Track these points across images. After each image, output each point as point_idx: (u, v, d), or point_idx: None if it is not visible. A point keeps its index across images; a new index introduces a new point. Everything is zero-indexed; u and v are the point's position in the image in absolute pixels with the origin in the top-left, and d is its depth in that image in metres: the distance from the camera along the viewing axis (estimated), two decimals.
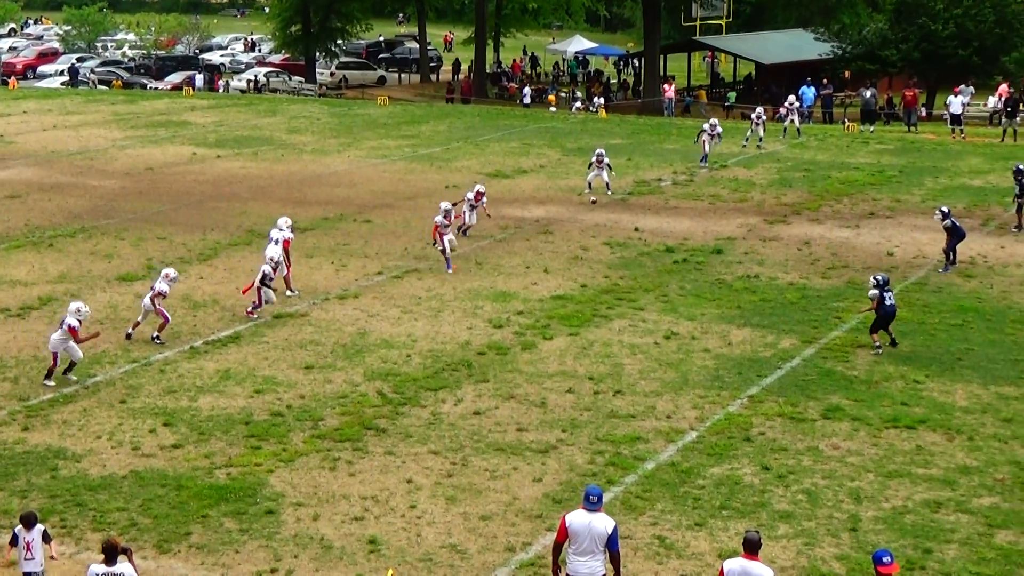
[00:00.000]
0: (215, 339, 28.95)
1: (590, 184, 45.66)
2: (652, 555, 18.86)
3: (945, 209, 35.42)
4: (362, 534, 19.51)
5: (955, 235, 34.90)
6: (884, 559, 15.21)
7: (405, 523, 19.92)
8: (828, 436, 23.52)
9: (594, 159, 45.76)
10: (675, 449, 22.90)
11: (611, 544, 15.99)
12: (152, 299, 28.46)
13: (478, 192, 38.99)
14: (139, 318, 28.80)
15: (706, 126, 52.86)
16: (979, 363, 27.61)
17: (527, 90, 79.13)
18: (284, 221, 33.48)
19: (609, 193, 45.18)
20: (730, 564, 15.33)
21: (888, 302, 27.87)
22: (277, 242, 32.25)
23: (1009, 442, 23.27)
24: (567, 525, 16.13)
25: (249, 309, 30.28)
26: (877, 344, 28.03)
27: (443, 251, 34.42)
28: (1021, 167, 39.70)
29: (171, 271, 29.36)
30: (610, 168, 45.89)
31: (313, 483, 21.31)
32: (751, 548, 15.37)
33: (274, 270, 30.18)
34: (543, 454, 22.59)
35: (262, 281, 29.84)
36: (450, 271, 34.02)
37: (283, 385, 25.81)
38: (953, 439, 23.43)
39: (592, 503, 16.13)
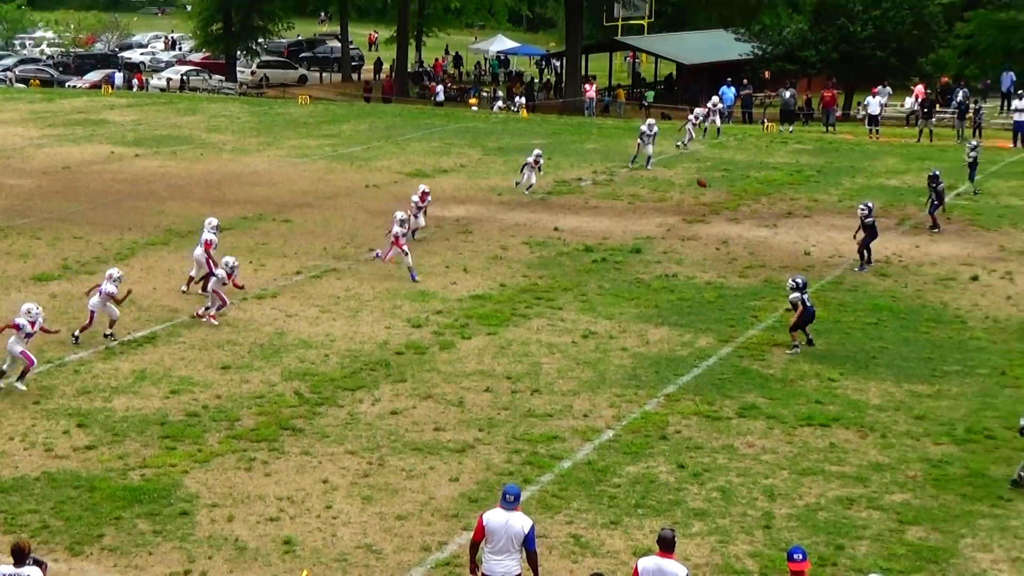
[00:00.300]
0: (131, 339, 28.65)
1: (524, 182, 45.99)
2: (568, 553, 18.89)
3: (870, 204, 35.84)
4: (277, 535, 19.39)
5: (871, 234, 35.26)
6: (796, 556, 15.33)
7: (321, 523, 19.84)
8: (743, 434, 23.67)
9: (531, 159, 45.90)
10: (592, 448, 22.95)
11: (528, 543, 16.00)
12: (103, 301, 28.07)
13: (423, 192, 38.77)
14: (87, 322, 28.42)
15: (644, 127, 52.53)
16: (893, 361, 27.91)
17: (440, 88, 79.00)
18: (209, 222, 33.22)
19: (527, 192, 45.29)
20: (644, 562, 15.37)
21: (808, 304, 28.12)
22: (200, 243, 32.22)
23: (921, 439, 23.52)
24: (484, 524, 16.14)
25: (200, 312, 30.00)
26: (795, 343, 28.24)
27: (407, 261, 33.71)
28: (935, 174, 40.14)
29: (115, 271, 28.94)
30: (540, 170, 46.09)
31: (228, 484, 21.16)
32: (666, 546, 15.42)
33: (228, 275, 29.66)
34: (460, 453, 22.58)
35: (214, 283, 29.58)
36: (416, 280, 33.37)
37: (199, 385, 25.60)
38: (866, 437, 23.64)
39: (509, 502, 16.14)
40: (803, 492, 21.25)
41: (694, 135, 57.26)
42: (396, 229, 33.79)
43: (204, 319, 29.44)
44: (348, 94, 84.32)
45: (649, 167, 51.32)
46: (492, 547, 16.05)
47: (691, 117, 57.81)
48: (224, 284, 29.48)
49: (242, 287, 30.75)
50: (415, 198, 38.50)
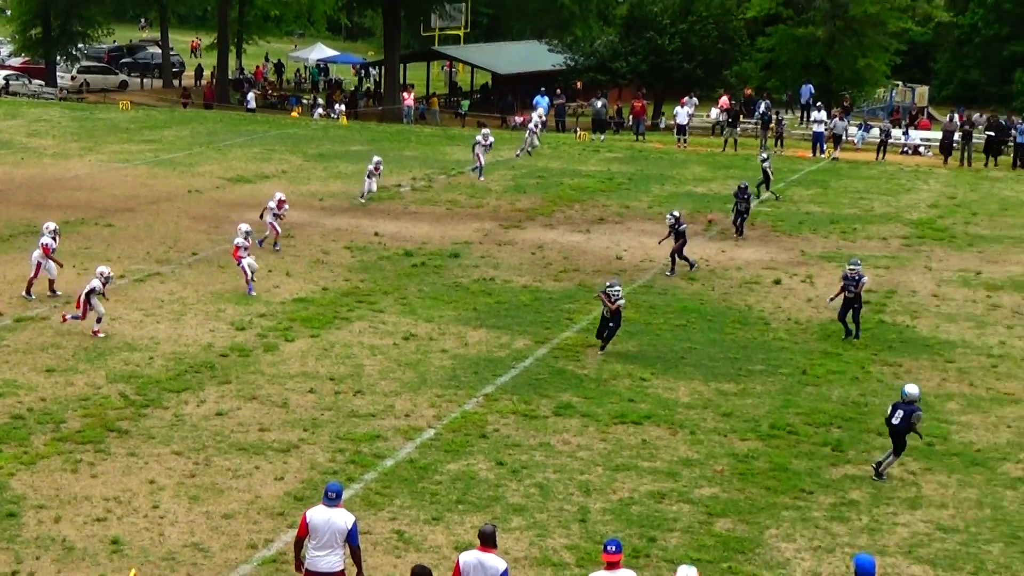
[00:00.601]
0: None
1: (365, 189, 45.91)
2: (391, 549, 19.01)
3: (676, 213, 36.49)
4: (104, 535, 19.21)
5: (683, 240, 35.92)
6: (610, 548, 15.56)
7: (148, 523, 19.69)
8: (559, 432, 23.97)
9: (372, 167, 45.78)
10: (413, 446, 23.08)
11: (351, 539, 16.09)
12: (86, 297, 28.26)
13: (280, 200, 38.17)
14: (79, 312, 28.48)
15: (479, 137, 52.32)
16: (701, 361, 28.47)
17: (251, 95, 78.30)
18: (47, 226, 32.66)
19: (363, 200, 45.34)
20: (466, 557, 15.53)
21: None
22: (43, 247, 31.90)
23: (728, 435, 24.06)
24: (307, 521, 16.18)
25: (65, 316, 29.26)
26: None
27: (246, 275, 33.01)
28: (743, 186, 40.93)
29: (104, 268, 29.12)
30: (378, 175, 46.17)
31: (55, 485, 20.88)
32: (486, 541, 15.60)
33: (104, 283, 28.99)
34: (285, 453, 22.57)
35: (89, 294, 28.73)
36: (252, 294, 32.61)
37: (24, 388, 25.15)
38: (676, 433, 24.09)
39: (331, 499, 16.21)
40: (617, 487, 21.62)
41: (534, 143, 57.32)
42: (238, 240, 33.11)
43: (96, 332, 28.76)
44: (169, 100, 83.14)
45: (481, 178, 51.00)
46: (316, 543, 16.10)
47: (531, 126, 57.76)
48: (100, 294, 28.83)
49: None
50: (271, 204, 38.02)
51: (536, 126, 53.65)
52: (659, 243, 36.73)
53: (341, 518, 16.11)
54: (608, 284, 28.86)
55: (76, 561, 18.41)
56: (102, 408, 24.36)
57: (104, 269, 29.10)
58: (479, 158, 51.41)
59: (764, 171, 47.15)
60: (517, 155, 56.71)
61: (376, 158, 46.69)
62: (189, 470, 21.72)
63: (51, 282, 31.60)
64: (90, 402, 24.67)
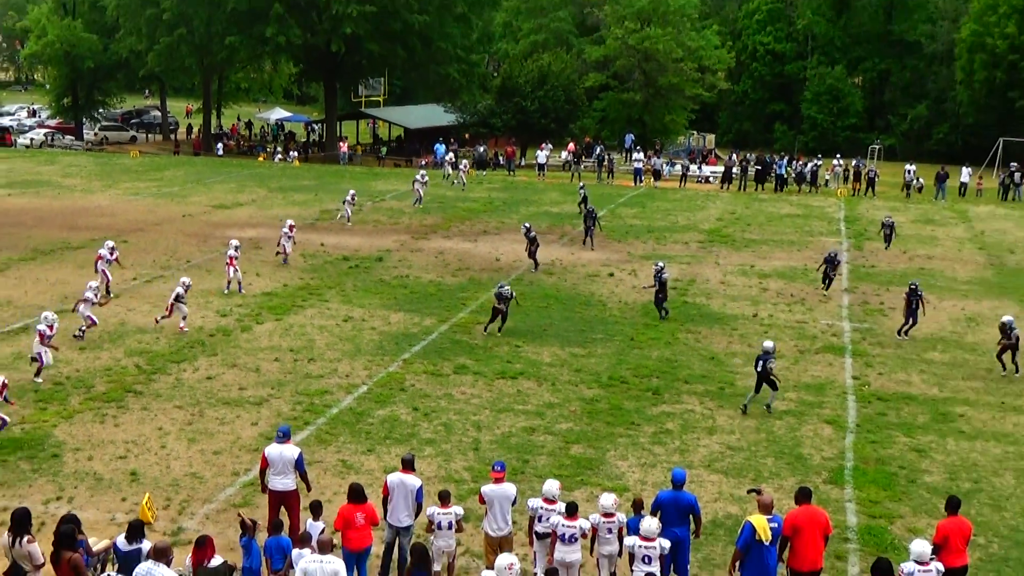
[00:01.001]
0: (8, 330, 27.40)
1: (342, 216, 44.76)
2: (338, 473, 18.86)
3: (527, 224, 36.79)
4: (125, 469, 18.87)
5: (534, 244, 35.86)
6: (496, 467, 15.57)
7: (158, 459, 19.36)
8: (458, 386, 23.92)
9: (348, 197, 44.86)
10: (352, 398, 22.90)
11: (298, 466, 15.99)
12: (174, 301, 27.21)
13: (291, 225, 36.56)
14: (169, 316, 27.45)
15: (418, 176, 51.11)
16: (558, 332, 28.50)
17: (220, 145, 77.05)
18: (108, 244, 31.97)
19: (348, 224, 44.19)
20: (391, 477, 15.43)
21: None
22: (108, 261, 31.21)
23: (579, 385, 24.13)
24: (266, 455, 16.08)
25: (157, 319, 27.79)
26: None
27: (229, 277, 31.80)
28: (591, 208, 40.97)
29: (186, 279, 28.09)
30: (353, 204, 45.12)
31: (87, 433, 20.46)
32: (407, 465, 15.54)
33: (185, 290, 27.57)
34: (258, 406, 22.26)
35: (177, 299, 27.42)
36: (236, 292, 31.47)
37: (62, 362, 24.53)
38: (542, 384, 24.13)
39: (281, 438, 16.14)
40: (500, 424, 21.60)
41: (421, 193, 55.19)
42: (231, 252, 31.99)
43: (183, 328, 27.31)
44: (167, 150, 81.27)
45: (419, 204, 49.79)
46: (273, 471, 15.99)
47: (418, 177, 56.38)
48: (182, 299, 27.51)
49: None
50: (285, 229, 36.29)
51: (423, 178, 51.70)
52: (526, 249, 36.55)
53: (290, 451, 16.02)
54: (499, 284, 28.66)
55: (104, 489, 18.09)
56: (122, 375, 23.89)
57: (186, 279, 27.94)
58: (419, 192, 50.08)
59: (583, 196, 47.64)
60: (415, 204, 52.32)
61: (351, 191, 45.64)
62: (188, 419, 21.37)
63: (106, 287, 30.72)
64: (112, 371, 24.18)
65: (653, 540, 14.00)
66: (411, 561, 13.40)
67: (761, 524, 14.06)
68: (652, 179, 62.00)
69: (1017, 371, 25.57)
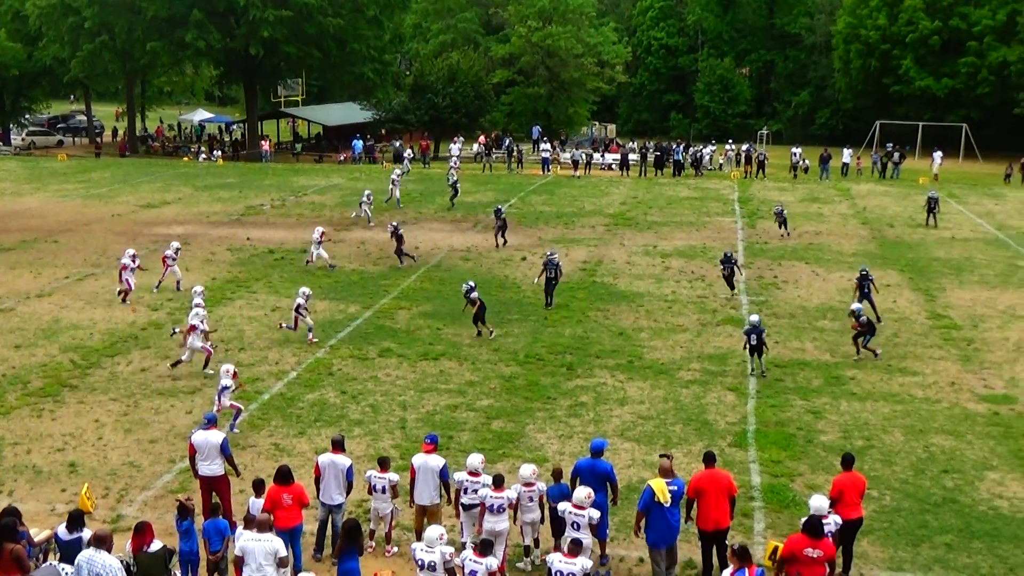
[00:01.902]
0: None
1: (368, 215, 42.45)
2: (270, 456, 18.55)
3: (395, 223, 35.95)
4: (64, 461, 18.37)
5: (400, 241, 34.62)
6: (428, 440, 15.54)
7: (95, 450, 18.88)
8: (383, 368, 23.70)
9: (364, 198, 42.47)
10: (282, 384, 22.58)
11: (223, 450, 15.72)
12: (296, 312, 25.27)
13: (322, 232, 34.75)
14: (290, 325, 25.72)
15: (393, 175, 48.36)
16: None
17: (127, 146, 75.52)
18: (130, 252, 30.41)
19: (372, 224, 42.33)
20: (322, 458, 15.25)
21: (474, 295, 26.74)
22: (132, 269, 29.69)
23: (497, 364, 24.06)
24: (192, 442, 15.85)
25: (281, 324, 26.25)
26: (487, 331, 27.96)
27: (165, 276, 30.68)
28: (499, 208, 40.03)
29: (306, 289, 25.84)
30: (371, 203, 42.97)
31: (25, 428, 19.88)
32: (337, 446, 15.37)
33: (306, 300, 25.58)
34: (192, 395, 21.83)
35: (297, 309, 25.74)
36: (176, 290, 30.14)
37: None
38: (462, 364, 24.01)
39: (205, 425, 15.95)
40: (424, 403, 21.46)
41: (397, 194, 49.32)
42: (168, 252, 30.84)
43: (311, 341, 25.50)
44: (92, 153, 79.47)
45: (400, 206, 46.71)
46: (201, 456, 15.73)
47: (394, 177, 48.60)
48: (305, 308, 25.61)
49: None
50: (315, 236, 34.36)
51: (399, 178, 48.27)
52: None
53: (215, 437, 15.80)
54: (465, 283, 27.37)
55: (44, 481, 17.61)
56: (57, 371, 23.25)
57: (305, 289, 25.74)
58: (394, 191, 47.14)
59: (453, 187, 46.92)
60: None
61: (367, 191, 42.86)
62: (123, 411, 20.88)
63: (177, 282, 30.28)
64: (48, 367, 23.53)
65: (583, 509, 13.99)
66: (342, 537, 13.25)
67: (660, 487, 14.17)
68: (573, 169, 61.18)
69: (876, 355, 24.76)
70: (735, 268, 30.83)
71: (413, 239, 39.14)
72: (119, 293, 29.72)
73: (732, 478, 14.90)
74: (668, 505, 14.12)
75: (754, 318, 23.47)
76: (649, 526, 14.25)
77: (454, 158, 59.15)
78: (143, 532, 12.96)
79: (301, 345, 25.34)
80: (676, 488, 14.26)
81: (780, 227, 40.44)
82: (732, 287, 30.76)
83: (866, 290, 27.95)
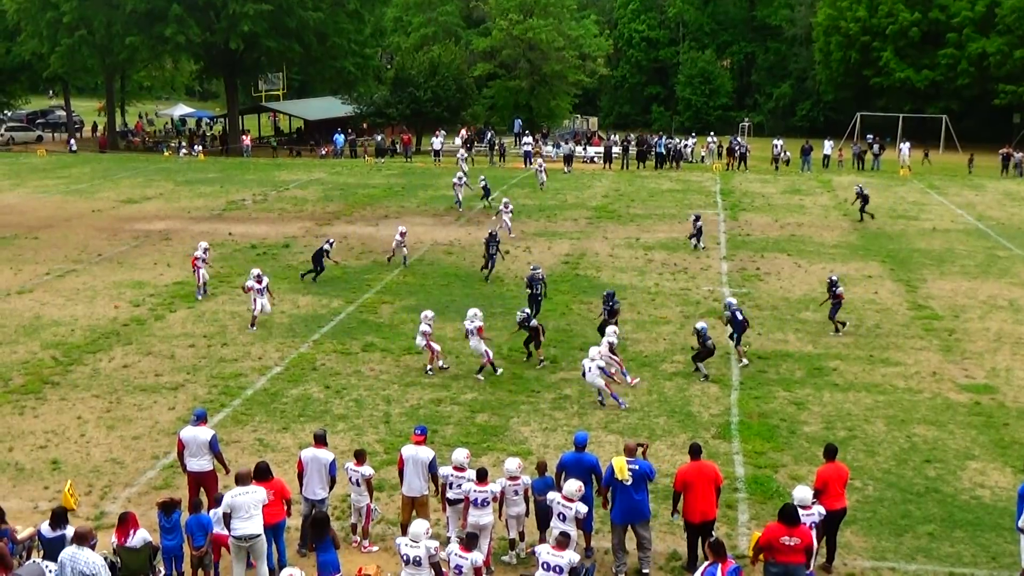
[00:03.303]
0: None
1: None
2: (255, 452, 18.47)
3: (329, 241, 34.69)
4: (46, 458, 18.26)
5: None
6: (417, 431, 15.50)
7: (78, 447, 18.78)
8: (367, 363, 23.66)
9: (399, 236, 34.21)
10: (266, 379, 22.50)
11: (212, 447, 15.62)
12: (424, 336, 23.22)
13: (402, 232, 33.73)
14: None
15: (454, 179, 45.67)
16: (459, 309, 27.97)
17: (105, 141, 75.27)
18: (203, 245, 30.47)
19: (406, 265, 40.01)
20: (305, 453, 15.20)
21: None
22: (204, 261, 29.74)
23: (479, 358, 23.91)
24: (181, 438, 15.72)
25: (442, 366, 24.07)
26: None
27: (200, 281, 29.73)
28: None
29: (429, 312, 23.77)
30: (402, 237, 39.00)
31: (6, 425, 19.75)
32: (319, 440, 15.31)
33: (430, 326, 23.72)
34: (175, 391, 21.74)
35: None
36: (200, 297, 29.27)
37: None
38: (446, 358, 23.88)
39: (195, 421, 15.81)
40: (408, 397, 21.43)
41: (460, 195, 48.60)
42: (197, 253, 29.89)
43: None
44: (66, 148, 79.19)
45: (460, 208, 44.52)
46: (189, 453, 15.62)
47: (455, 180, 45.76)
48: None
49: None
50: (398, 236, 33.54)
51: (459, 181, 45.20)
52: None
53: (204, 434, 15.68)
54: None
55: (26, 478, 17.50)
56: (39, 368, 23.13)
57: (429, 313, 23.71)
58: (457, 193, 44.92)
59: (483, 184, 45.75)
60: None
61: (401, 227, 34.83)
62: (106, 407, 20.77)
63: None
64: (30, 364, 23.40)
65: (572, 501, 14.00)
66: (310, 530, 13.50)
67: (620, 465, 14.39)
68: (566, 164, 60.64)
69: (836, 330, 25.98)
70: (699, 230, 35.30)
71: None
72: (198, 288, 29.55)
73: (718, 469, 14.93)
74: (628, 484, 14.23)
75: (731, 300, 23.92)
76: (612, 502, 14.57)
77: (461, 152, 57.82)
78: (126, 522, 13.10)
79: (285, 340, 25.27)
80: (638, 468, 14.42)
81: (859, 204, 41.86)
82: (697, 242, 35.05)
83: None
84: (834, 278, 26.61)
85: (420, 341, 23.12)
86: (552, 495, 14.32)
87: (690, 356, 23.37)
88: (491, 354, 22.86)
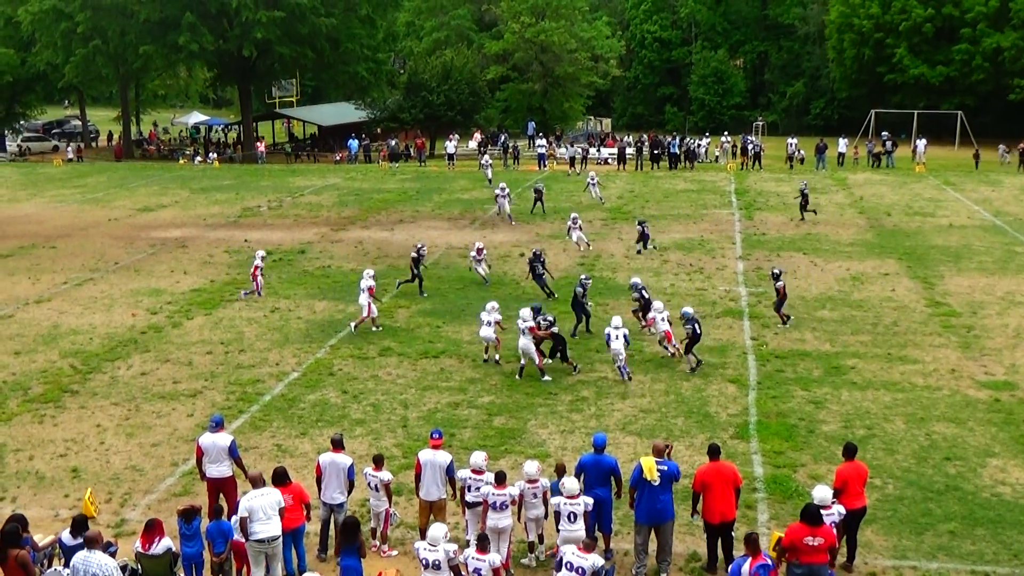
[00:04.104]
0: None
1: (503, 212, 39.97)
2: (273, 457, 18.50)
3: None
4: (66, 466, 18.34)
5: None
6: (435, 435, 15.49)
7: (97, 455, 18.86)
8: (383, 367, 23.68)
9: (474, 252, 32.40)
10: (283, 385, 22.55)
11: (231, 453, 15.65)
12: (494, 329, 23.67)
13: (479, 248, 32.43)
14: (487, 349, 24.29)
15: (497, 190, 43.44)
16: (475, 311, 27.86)
17: (121, 151, 75.70)
18: (260, 253, 31.02)
19: (513, 223, 41.42)
20: (323, 457, 15.23)
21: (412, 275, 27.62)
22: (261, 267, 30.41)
23: (498, 360, 23.97)
24: (200, 445, 15.76)
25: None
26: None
27: (257, 286, 30.25)
28: (539, 186, 39.86)
29: (495, 303, 24.23)
30: (511, 199, 42.33)
31: (27, 434, 19.86)
32: (337, 445, 15.35)
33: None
34: (193, 397, 21.81)
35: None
36: (244, 297, 30.03)
37: None
38: (463, 361, 23.99)
39: (213, 427, 15.83)
40: (426, 401, 21.44)
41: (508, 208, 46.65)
42: (256, 262, 30.28)
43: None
44: (90, 157, 79.45)
45: (512, 222, 42.24)
46: (209, 459, 15.66)
47: (498, 191, 43.52)
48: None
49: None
50: (473, 253, 32.40)
51: (503, 191, 42.89)
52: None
53: (223, 440, 15.71)
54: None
55: (47, 487, 17.58)
56: (58, 376, 23.24)
57: (493, 304, 24.20)
58: (503, 207, 42.66)
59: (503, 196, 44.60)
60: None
61: (478, 244, 32.98)
62: (125, 415, 20.86)
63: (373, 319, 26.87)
64: (48, 373, 23.52)
65: (576, 497, 14.03)
66: (340, 534, 13.49)
67: (648, 464, 14.35)
68: (583, 165, 60.53)
69: (784, 322, 26.50)
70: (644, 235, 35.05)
71: (411, 237, 39.12)
72: (253, 291, 30.06)
73: (737, 470, 14.90)
74: (656, 484, 14.20)
75: (687, 310, 23.59)
76: (637, 502, 14.51)
77: (485, 158, 56.54)
78: (152, 529, 13.25)
79: (302, 345, 25.33)
80: (666, 468, 14.37)
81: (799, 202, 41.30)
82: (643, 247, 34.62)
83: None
84: (776, 271, 26.78)
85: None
86: (555, 500, 14.31)
87: (693, 351, 23.28)
88: (541, 357, 22.56)
